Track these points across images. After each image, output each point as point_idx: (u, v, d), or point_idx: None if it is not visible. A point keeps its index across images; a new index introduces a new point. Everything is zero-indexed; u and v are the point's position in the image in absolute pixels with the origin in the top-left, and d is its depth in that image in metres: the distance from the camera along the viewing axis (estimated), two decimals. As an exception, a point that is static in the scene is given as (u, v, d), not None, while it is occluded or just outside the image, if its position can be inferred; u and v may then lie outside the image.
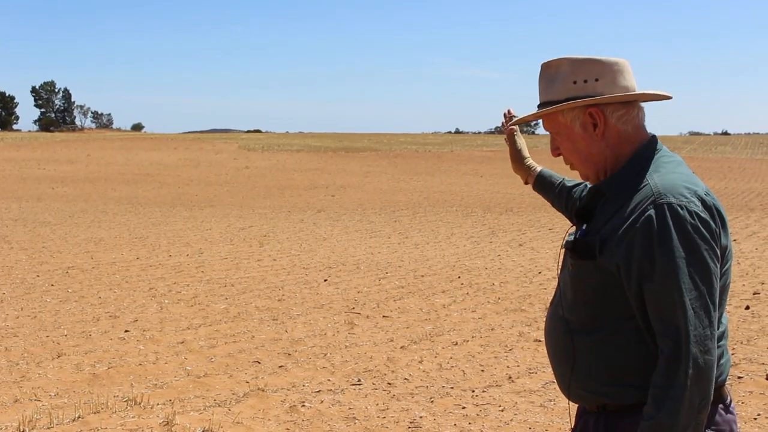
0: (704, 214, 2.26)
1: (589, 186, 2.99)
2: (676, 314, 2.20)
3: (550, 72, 2.51)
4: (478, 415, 6.40)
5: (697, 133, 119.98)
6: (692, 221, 2.24)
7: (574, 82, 2.45)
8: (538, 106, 2.56)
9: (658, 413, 2.21)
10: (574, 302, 2.46)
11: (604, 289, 2.36)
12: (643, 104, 2.53)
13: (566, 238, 2.63)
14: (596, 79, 2.44)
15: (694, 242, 2.23)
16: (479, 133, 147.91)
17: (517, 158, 3.27)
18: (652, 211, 2.26)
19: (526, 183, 3.28)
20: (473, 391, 6.99)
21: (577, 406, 2.66)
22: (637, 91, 2.48)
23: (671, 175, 2.36)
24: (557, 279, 2.65)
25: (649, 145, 2.47)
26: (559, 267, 2.65)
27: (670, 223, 2.23)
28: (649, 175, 2.37)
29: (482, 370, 7.66)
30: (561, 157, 2.64)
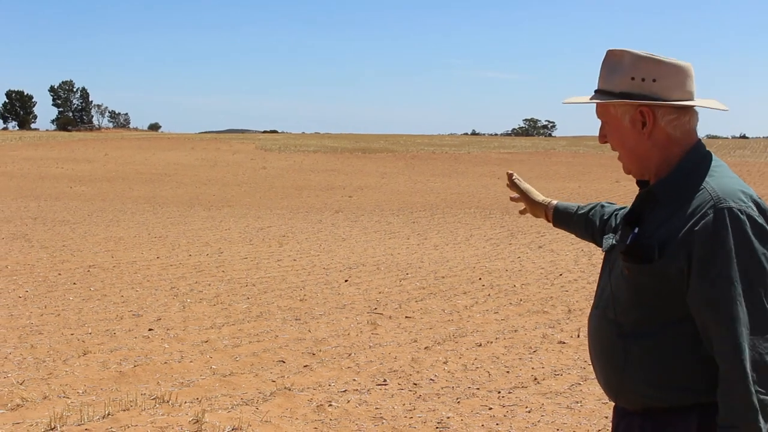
0: (760, 219, 2.29)
1: (606, 206, 3.00)
2: (736, 318, 2.21)
3: (612, 61, 2.50)
4: (505, 416, 6.39)
5: (715, 137, 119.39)
6: (752, 226, 2.26)
7: (632, 78, 2.44)
8: (596, 91, 2.55)
9: (732, 416, 2.21)
10: (629, 305, 2.44)
11: (660, 292, 2.35)
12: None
13: (610, 242, 2.62)
14: (654, 80, 2.43)
15: (753, 247, 2.25)
16: (496, 134, 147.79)
17: (529, 201, 3.25)
18: (712, 215, 2.27)
19: (548, 221, 3.23)
20: (499, 392, 6.99)
21: (613, 406, 2.64)
22: (692, 102, 2.47)
23: (726, 180, 2.38)
24: (599, 282, 2.64)
25: (698, 149, 2.47)
26: (604, 270, 2.62)
27: (730, 227, 2.25)
28: (704, 180, 2.37)
29: (507, 372, 7.66)
30: (604, 146, 2.63)
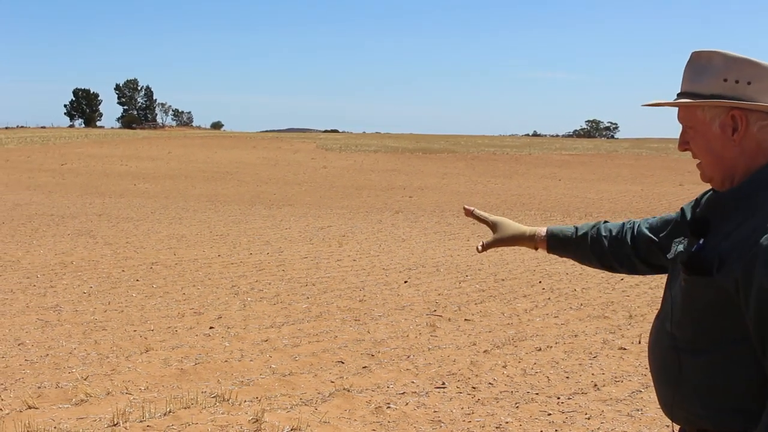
0: None
1: (686, 208, 2.68)
2: None
3: (699, 63, 2.34)
4: (564, 422, 6.34)
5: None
6: None
7: (725, 80, 2.28)
8: (679, 95, 2.38)
9: None
10: (683, 319, 2.32)
11: (716, 308, 2.22)
12: None
13: (676, 249, 2.46)
14: (748, 82, 2.27)
15: None
16: (557, 136, 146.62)
17: (505, 232, 2.98)
18: None
19: (536, 249, 2.97)
20: (558, 398, 6.93)
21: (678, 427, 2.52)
22: None
23: None
24: (664, 291, 2.49)
25: None
26: (669, 279, 2.48)
27: None
28: None
29: (567, 377, 7.59)
30: (683, 153, 2.48)
